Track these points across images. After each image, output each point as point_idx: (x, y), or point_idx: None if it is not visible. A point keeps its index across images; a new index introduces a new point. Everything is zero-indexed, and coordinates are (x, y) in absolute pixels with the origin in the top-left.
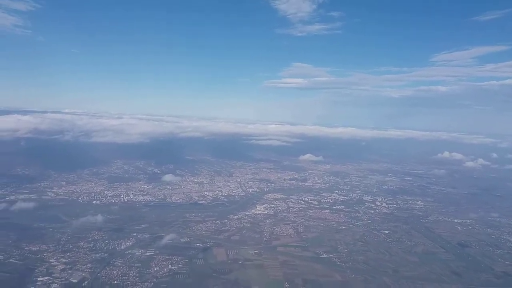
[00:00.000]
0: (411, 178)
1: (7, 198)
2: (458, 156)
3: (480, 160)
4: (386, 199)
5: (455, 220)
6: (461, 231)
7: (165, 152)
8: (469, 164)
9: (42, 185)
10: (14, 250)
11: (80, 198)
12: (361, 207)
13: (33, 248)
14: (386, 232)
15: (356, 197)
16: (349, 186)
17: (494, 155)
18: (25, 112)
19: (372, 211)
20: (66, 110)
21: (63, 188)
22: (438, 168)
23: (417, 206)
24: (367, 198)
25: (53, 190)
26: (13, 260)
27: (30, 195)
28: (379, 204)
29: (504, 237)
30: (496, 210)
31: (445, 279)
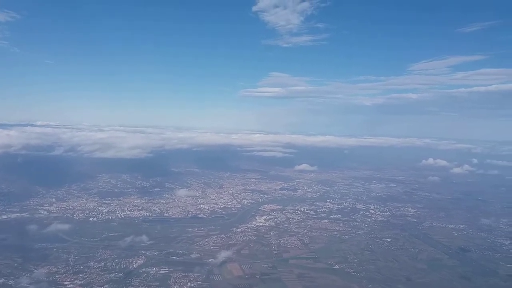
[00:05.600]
0: (395, 185)
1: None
2: (442, 162)
3: (466, 166)
4: (378, 207)
5: (449, 226)
6: (457, 237)
7: (151, 165)
8: (456, 170)
9: (32, 202)
10: (23, 273)
11: (75, 215)
12: (357, 215)
13: (43, 271)
14: (389, 240)
15: (349, 206)
16: (339, 195)
17: (475, 160)
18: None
19: (369, 219)
20: (39, 123)
21: (54, 205)
22: (431, 176)
23: (409, 213)
24: (360, 206)
25: (44, 208)
26: (25, 285)
27: (22, 214)
28: (373, 212)
29: (499, 240)
30: (483, 214)
31: (457, 285)
